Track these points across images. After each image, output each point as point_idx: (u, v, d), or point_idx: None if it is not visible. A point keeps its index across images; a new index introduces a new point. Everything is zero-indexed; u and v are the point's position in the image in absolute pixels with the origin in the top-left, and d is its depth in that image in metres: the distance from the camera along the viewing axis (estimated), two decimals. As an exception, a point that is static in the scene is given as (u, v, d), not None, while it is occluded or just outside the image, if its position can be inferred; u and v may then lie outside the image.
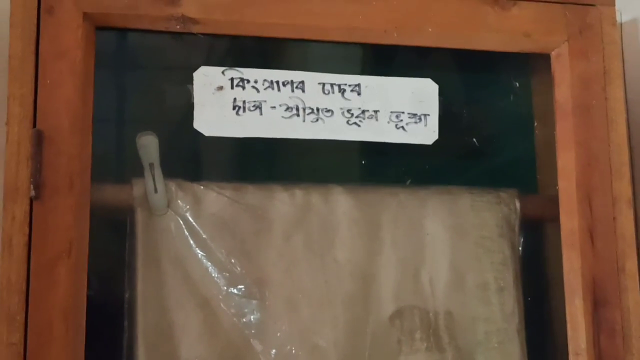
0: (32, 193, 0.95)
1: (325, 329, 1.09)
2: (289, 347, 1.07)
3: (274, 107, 1.08)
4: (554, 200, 1.12)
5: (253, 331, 1.07)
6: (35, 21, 0.98)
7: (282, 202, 1.11)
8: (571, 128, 1.11)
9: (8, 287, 0.93)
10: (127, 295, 1.06)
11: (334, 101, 1.10)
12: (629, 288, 1.08)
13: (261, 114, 1.07)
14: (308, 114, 1.09)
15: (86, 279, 0.96)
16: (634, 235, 1.09)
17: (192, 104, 1.05)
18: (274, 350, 1.06)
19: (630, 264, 1.08)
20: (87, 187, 0.98)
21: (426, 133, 1.12)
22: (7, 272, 0.93)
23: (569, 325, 1.08)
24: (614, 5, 1.15)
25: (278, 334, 1.07)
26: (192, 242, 1.07)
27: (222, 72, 1.07)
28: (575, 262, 1.08)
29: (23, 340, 0.92)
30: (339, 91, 1.10)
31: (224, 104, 1.06)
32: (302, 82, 1.09)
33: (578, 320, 1.07)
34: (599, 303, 1.07)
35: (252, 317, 1.07)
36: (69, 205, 0.96)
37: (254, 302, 1.08)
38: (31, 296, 0.93)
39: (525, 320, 1.15)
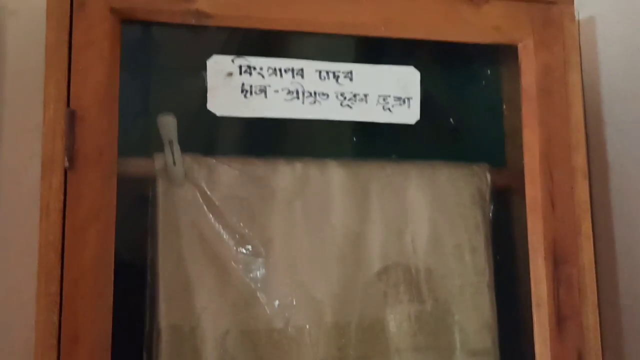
0: (66, 164, 0.94)
1: (321, 283, 1.08)
2: (289, 299, 1.06)
3: (277, 91, 1.07)
4: (520, 173, 1.11)
5: (259, 285, 1.06)
6: (68, 15, 0.97)
7: (284, 174, 1.10)
8: (535, 110, 1.10)
9: (46, 246, 0.92)
10: (149, 254, 1.05)
11: (329, 86, 1.09)
12: (585, 248, 1.08)
13: (266, 97, 1.06)
14: (307, 97, 1.08)
15: (113, 240, 0.95)
16: (588, 202, 1.09)
17: (206, 88, 1.05)
18: (277, 302, 1.06)
19: (586, 226, 1.08)
20: (114, 160, 0.97)
21: (409, 114, 1.11)
22: (45, 233, 0.93)
23: (532, 280, 1.07)
24: (573, 3, 1.15)
25: (280, 288, 1.07)
26: (206, 208, 1.06)
27: (232, 60, 1.06)
28: (538, 225, 1.07)
29: (59, 291, 0.92)
30: (334, 77, 1.09)
31: (233, 88, 1.05)
32: (302, 69, 1.08)
33: (540, 276, 1.06)
34: (559, 261, 1.06)
35: (258, 272, 1.06)
36: (98, 176, 0.95)
37: (260, 260, 1.07)
38: (66, 254, 0.93)
39: (494, 276, 1.15)
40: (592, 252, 1.08)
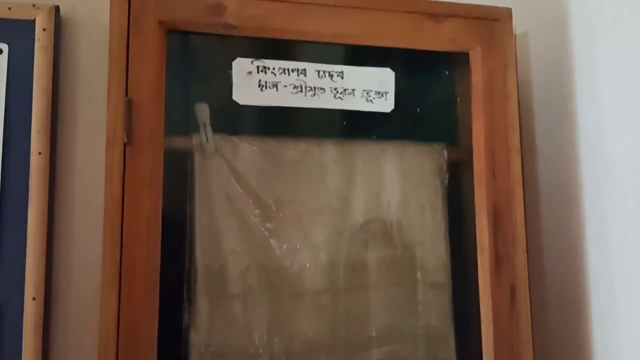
0: (125, 140, 0.94)
1: (318, 232, 1.09)
2: (294, 244, 1.07)
3: (286, 86, 1.06)
4: (469, 150, 1.11)
5: (271, 233, 1.06)
6: (126, 27, 0.97)
7: (291, 149, 1.10)
8: (481, 102, 1.10)
9: (110, 203, 0.93)
10: (188, 211, 1.05)
11: (326, 83, 1.08)
12: (517, 208, 1.08)
13: (277, 90, 1.06)
14: (308, 91, 1.07)
15: (161, 200, 0.96)
16: (520, 173, 1.09)
17: (231, 83, 1.04)
18: (284, 246, 1.06)
19: (518, 192, 1.08)
20: (161, 138, 0.97)
21: (386, 104, 1.11)
22: (110, 193, 0.93)
23: (477, 232, 1.08)
24: (512, 21, 1.13)
25: (287, 235, 1.07)
26: (231, 176, 1.06)
27: (251, 62, 1.05)
28: (482, 191, 1.08)
29: (120, 238, 0.92)
30: (329, 76, 1.08)
31: (252, 83, 1.05)
32: (305, 69, 1.07)
33: (483, 228, 1.07)
34: (497, 217, 1.07)
35: (270, 224, 1.07)
36: (149, 150, 0.95)
37: (272, 214, 1.07)
38: (125, 209, 0.93)
39: (448, 229, 1.15)
40: (523, 211, 1.08)
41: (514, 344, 1.04)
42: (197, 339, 1.00)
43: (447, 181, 1.16)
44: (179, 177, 1.06)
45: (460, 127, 1.19)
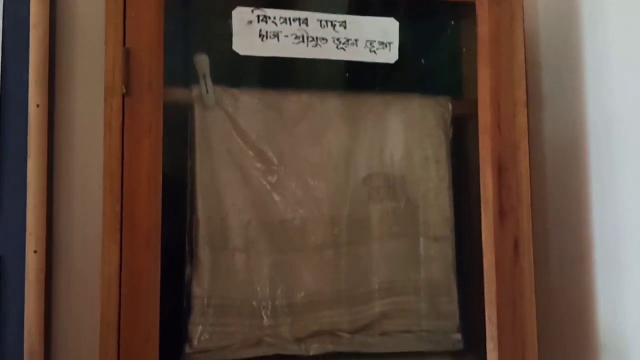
0: (124, 90, 0.92)
1: (320, 185, 1.07)
2: (296, 197, 1.06)
3: (287, 36, 1.03)
4: (474, 103, 1.09)
5: (273, 187, 1.05)
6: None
7: (293, 102, 1.08)
8: (487, 53, 1.07)
9: (109, 155, 0.92)
10: (189, 163, 1.04)
11: (328, 33, 1.05)
12: (522, 160, 1.06)
13: (278, 40, 1.03)
14: (310, 41, 1.04)
15: (161, 151, 0.94)
16: (526, 125, 1.07)
17: (231, 33, 1.01)
18: (287, 199, 1.06)
19: (523, 144, 1.06)
20: (160, 88, 0.95)
21: (390, 55, 1.08)
22: (109, 145, 0.92)
23: (481, 184, 1.06)
24: (519, -31, 1.10)
25: (289, 189, 1.06)
26: (232, 128, 1.05)
27: (252, 11, 1.02)
28: (487, 143, 1.06)
29: (120, 190, 0.91)
30: (331, 25, 1.05)
31: (253, 33, 1.02)
32: (306, 19, 1.04)
33: (487, 181, 1.05)
34: (502, 169, 1.05)
35: (272, 177, 1.06)
36: (148, 100, 0.94)
37: (274, 167, 1.06)
38: (125, 160, 0.92)
39: (452, 182, 1.14)
40: (528, 163, 1.06)
41: (517, 297, 1.03)
42: (200, 291, 1.00)
43: (451, 134, 1.14)
44: (179, 130, 1.04)
45: (466, 79, 1.17)
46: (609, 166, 1.06)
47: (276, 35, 1.03)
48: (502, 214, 1.04)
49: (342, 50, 1.06)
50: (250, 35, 1.02)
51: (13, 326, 1.00)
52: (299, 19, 1.04)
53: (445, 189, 1.12)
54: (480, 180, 1.06)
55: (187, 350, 0.98)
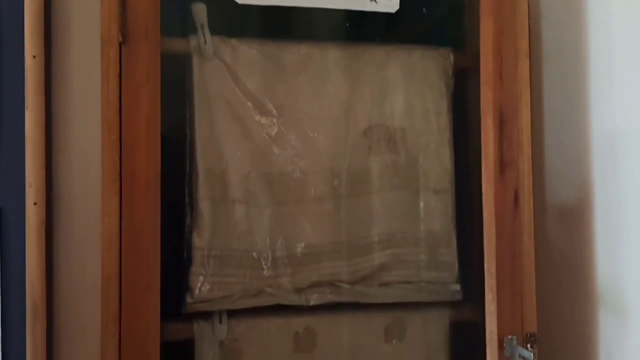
0: (120, 39, 0.91)
1: (320, 137, 1.07)
2: (296, 149, 1.06)
3: (287, -16, 1.01)
4: (476, 54, 1.07)
5: (273, 139, 1.05)
6: None
7: (292, 53, 1.07)
8: (490, 3, 1.04)
9: (107, 103, 0.91)
10: (187, 114, 1.03)
11: (329, -19, 1.03)
12: (523, 111, 1.05)
13: (279, -11, 1.01)
14: (312, -10, 1.03)
15: (159, 101, 0.93)
16: (528, 77, 1.05)
17: (231, -19, 0.99)
18: (286, 151, 1.06)
19: (525, 95, 1.05)
20: (157, 37, 0.93)
21: (391, 5, 1.05)
22: (106, 94, 0.91)
23: (482, 137, 1.05)
24: None
25: (290, 141, 1.06)
26: (231, 79, 1.04)
27: (251, -41, 1.00)
28: (489, 94, 1.04)
29: (118, 140, 0.91)
30: (332, -27, 1.04)
31: (252, -19, 1.00)
32: (306, -34, 1.02)
33: (488, 133, 1.04)
34: (503, 121, 1.04)
35: (272, 129, 1.05)
36: (146, 49, 0.92)
37: (274, 119, 1.05)
38: (123, 110, 0.91)
39: (453, 135, 1.13)
40: (529, 115, 1.05)
41: (516, 249, 1.03)
42: (200, 241, 1.00)
43: (452, 86, 1.13)
44: (177, 81, 1.03)
45: (467, 30, 1.15)
46: (612, 114, 1.05)
47: (277, -16, 1.01)
48: (502, 165, 1.03)
49: (342, -1, 1.04)
50: (249, -17, 1.00)
51: (15, 279, 1.00)
52: (299, -34, 1.02)
53: (446, 141, 1.12)
54: (481, 132, 1.05)
55: (189, 300, 0.99)
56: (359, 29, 1.12)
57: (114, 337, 0.89)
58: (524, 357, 0.95)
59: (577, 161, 1.13)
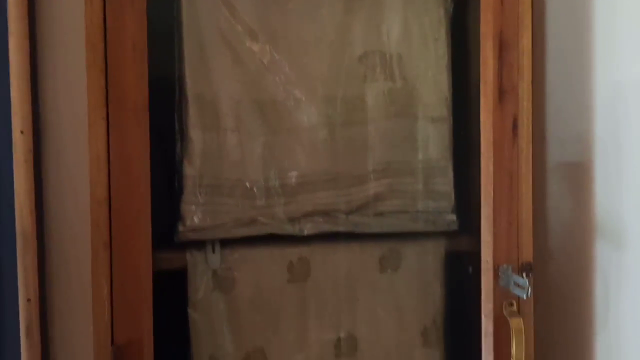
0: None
1: (315, 65, 1.05)
2: (289, 76, 1.03)
3: None
4: (476, -23, 1.03)
5: (265, 65, 1.02)
6: None
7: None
8: None
9: (91, 26, 0.88)
10: (176, 38, 0.99)
11: None
12: (524, 36, 1.01)
13: None
14: None
15: (146, 23, 0.88)
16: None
17: None
18: (279, 78, 1.03)
19: (527, 19, 1.00)
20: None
21: None
22: (90, 16, 0.88)
23: (482, 62, 1.00)
24: None
25: (282, 68, 1.03)
26: (220, 2, 1.00)
27: None
28: (489, 17, 1.00)
29: (104, 62, 0.87)
30: None
31: None
32: None
33: (488, 58, 1.00)
34: (503, 46, 1.00)
35: (265, 56, 1.02)
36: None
37: (267, 46, 1.02)
38: (108, 32, 0.87)
39: (451, 61, 1.10)
40: (530, 39, 1.01)
41: (514, 176, 1.01)
42: (191, 170, 0.98)
43: (451, 10, 1.09)
44: (165, 3, 0.99)
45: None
46: (613, 36, 1.01)
47: None
48: (501, 92, 1.00)
49: None
50: None
51: (4, 209, 0.98)
52: None
53: (444, 68, 1.09)
54: (481, 58, 1.02)
55: (180, 228, 0.98)
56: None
57: (105, 262, 0.88)
58: (519, 285, 0.94)
59: (580, 91, 1.10)
